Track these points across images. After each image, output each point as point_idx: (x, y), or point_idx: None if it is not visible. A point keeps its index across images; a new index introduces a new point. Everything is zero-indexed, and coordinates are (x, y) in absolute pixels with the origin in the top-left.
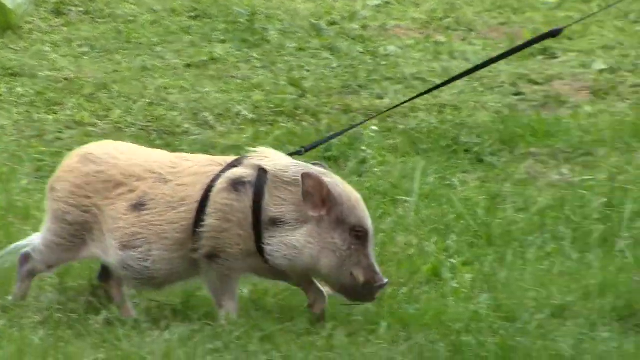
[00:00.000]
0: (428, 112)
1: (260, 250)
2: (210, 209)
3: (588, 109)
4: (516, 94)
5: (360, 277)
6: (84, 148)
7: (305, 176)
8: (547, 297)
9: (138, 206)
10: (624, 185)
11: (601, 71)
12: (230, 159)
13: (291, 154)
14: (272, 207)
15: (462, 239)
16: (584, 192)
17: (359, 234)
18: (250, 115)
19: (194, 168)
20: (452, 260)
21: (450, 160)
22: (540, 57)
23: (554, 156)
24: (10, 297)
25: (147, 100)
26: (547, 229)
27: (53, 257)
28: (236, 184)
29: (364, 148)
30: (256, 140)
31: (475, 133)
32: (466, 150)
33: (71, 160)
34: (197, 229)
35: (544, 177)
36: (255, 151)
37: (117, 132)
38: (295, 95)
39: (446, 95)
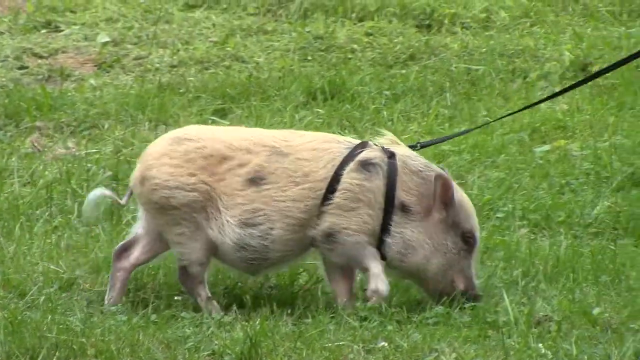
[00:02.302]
0: None
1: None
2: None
3: (93, 82)
4: (20, 68)
5: (460, 285)
6: (170, 133)
7: (438, 177)
8: (55, 271)
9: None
10: (129, 158)
11: (105, 44)
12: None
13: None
14: (402, 192)
15: None
16: (90, 165)
17: (469, 240)
18: None
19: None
20: None
21: None
22: (44, 31)
23: (59, 130)
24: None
25: None
26: (54, 203)
27: (192, 249)
28: (366, 164)
29: None
30: None
31: None
32: None
33: (160, 145)
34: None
35: (50, 151)
36: (382, 135)
37: None
38: None
39: None
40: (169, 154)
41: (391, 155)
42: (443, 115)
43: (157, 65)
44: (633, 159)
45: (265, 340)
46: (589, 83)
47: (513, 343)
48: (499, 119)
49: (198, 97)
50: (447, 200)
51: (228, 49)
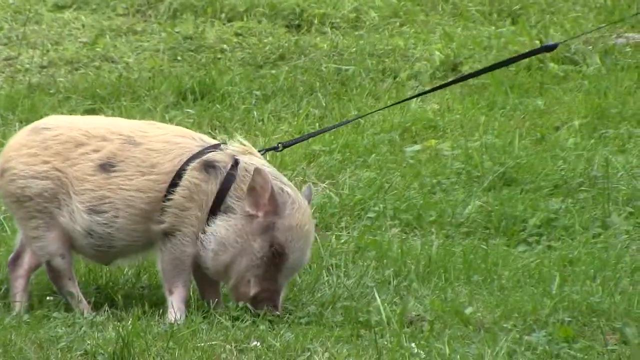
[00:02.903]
0: None
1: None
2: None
3: None
4: None
5: (252, 291)
6: (29, 125)
7: (257, 171)
8: None
9: (106, 167)
10: None
11: None
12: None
13: (268, 150)
14: (233, 198)
15: None
16: None
17: (277, 253)
18: None
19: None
20: None
21: None
22: None
23: None
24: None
25: None
26: None
27: (47, 242)
28: (208, 166)
29: None
30: None
31: None
32: None
33: (18, 137)
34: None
35: None
36: (239, 142)
37: None
38: None
39: None
40: (27, 144)
41: (235, 164)
42: (314, 115)
43: (27, 65)
44: (504, 159)
45: (137, 340)
46: (460, 83)
47: (386, 342)
48: (365, 115)
49: (68, 98)
50: (264, 199)
51: (98, 49)
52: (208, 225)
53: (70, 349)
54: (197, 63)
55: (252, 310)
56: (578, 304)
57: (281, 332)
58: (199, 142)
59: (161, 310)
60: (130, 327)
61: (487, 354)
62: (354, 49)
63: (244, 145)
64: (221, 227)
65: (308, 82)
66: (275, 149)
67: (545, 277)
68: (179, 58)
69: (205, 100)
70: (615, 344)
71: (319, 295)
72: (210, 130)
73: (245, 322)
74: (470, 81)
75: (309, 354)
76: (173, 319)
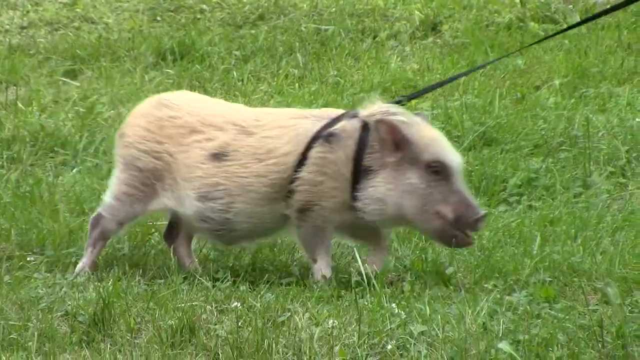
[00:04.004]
0: None
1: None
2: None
3: None
4: None
5: (449, 214)
6: (157, 95)
7: (379, 122)
8: None
9: (219, 156)
10: None
11: None
12: (329, 112)
13: (392, 104)
14: (368, 156)
15: None
16: None
17: (436, 169)
18: None
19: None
20: None
21: None
22: None
23: None
24: (78, 266)
25: None
26: None
27: (123, 210)
28: (329, 136)
29: None
30: None
31: None
32: None
33: (143, 105)
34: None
35: None
36: (366, 103)
37: None
38: None
39: None
40: (146, 116)
41: (364, 125)
42: (293, 75)
43: (7, 26)
44: (484, 118)
45: (118, 301)
46: (440, 42)
47: (366, 303)
48: (492, 62)
49: (48, 59)
50: (395, 140)
51: (77, 10)
52: (357, 190)
53: (51, 310)
54: (176, 23)
55: (467, 240)
56: (559, 264)
57: (261, 293)
58: (312, 119)
59: (142, 271)
60: (110, 288)
61: (468, 314)
62: (334, 9)
63: (371, 104)
64: (369, 187)
65: (287, 42)
66: (399, 102)
67: (526, 237)
68: (158, 18)
69: (184, 61)
70: (596, 304)
71: (299, 255)
72: (190, 89)
73: (226, 282)
74: (450, 40)
75: (289, 314)
76: (321, 280)
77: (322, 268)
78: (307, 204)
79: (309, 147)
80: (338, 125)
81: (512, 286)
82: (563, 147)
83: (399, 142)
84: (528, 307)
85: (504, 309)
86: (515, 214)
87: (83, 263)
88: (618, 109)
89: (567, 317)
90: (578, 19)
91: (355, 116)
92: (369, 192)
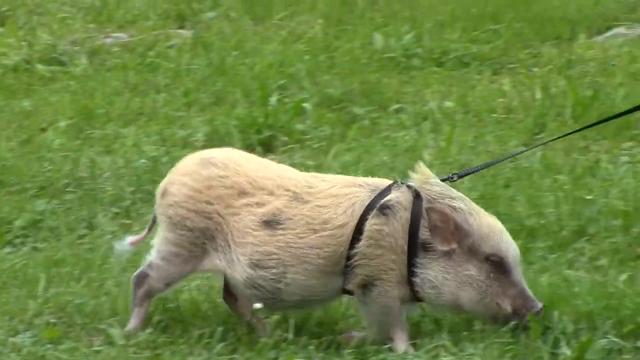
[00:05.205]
0: None
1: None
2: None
3: None
4: None
5: (508, 307)
6: (202, 152)
7: (431, 210)
8: None
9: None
10: None
11: None
12: (379, 181)
13: (443, 180)
14: (424, 230)
15: None
16: None
17: (495, 262)
18: None
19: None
20: None
21: None
22: None
23: None
24: (127, 327)
25: None
26: None
27: (172, 270)
28: (383, 208)
29: None
30: None
31: None
32: None
33: (188, 163)
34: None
35: None
36: (412, 173)
37: None
38: None
39: None
40: (192, 174)
41: (417, 195)
42: None
43: None
44: None
45: None
46: None
47: None
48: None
49: None
50: (451, 230)
51: None
52: (414, 266)
53: None
54: None
55: (521, 325)
56: (64, 305)
57: None
58: (367, 188)
59: None
60: None
61: None
62: None
63: (420, 174)
64: (428, 270)
65: None
66: (450, 179)
67: (31, 278)
68: None
69: None
70: (100, 345)
71: None
72: None
73: None
74: None
75: None
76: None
77: (400, 348)
78: (367, 279)
79: (363, 218)
80: (391, 196)
81: (17, 327)
82: (69, 189)
83: (453, 232)
84: (32, 348)
85: (8, 351)
86: (20, 256)
87: (133, 325)
88: (124, 150)
89: (71, 357)
90: (85, 61)
91: (405, 186)
92: (427, 275)
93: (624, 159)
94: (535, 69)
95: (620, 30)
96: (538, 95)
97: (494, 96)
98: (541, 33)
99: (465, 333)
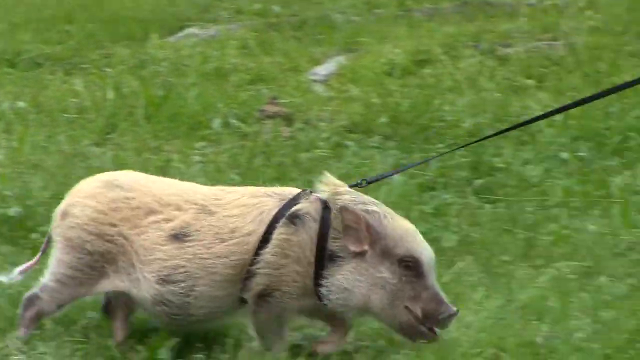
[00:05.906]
0: None
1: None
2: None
3: None
4: None
5: (417, 311)
6: (103, 174)
7: (344, 210)
8: None
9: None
10: None
11: None
12: (287, 191)
13: (351, 186)
14: (331, 241)
15: None
16: None
17: (409, 265)
18: None
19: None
20: None
21: None
22: None
23: None
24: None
25: None
26: None
27: (65, 293)
28: (293, 217)
29: None
30: None
31: None
32: None
33: (91, 185)
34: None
35: None
36: (323, 183)
37: None
38: None
39: None
40: (96, 196)
41: (325, 207)
42: None
43: None
44: None
45: None
46: None
47: None
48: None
49: None
50: (363, 231)
51: None
52: (321, 276)
53: None
54: None
55: (432, 335)
56: None
57: None
58: (275, 198)
59: None
60: None
61: None
62: None
63: (328, 184)
64: (336, 275)
65: None
66: (359, 184)
67: None
68: None
69: None
70: None
71: None
72: None
73: None
74: None
75: None
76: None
77: (275, 354)
78: (267, 289)
79: (271, 226)
80: (300, 206)
81: None
82: None
83: (366, 235)
84: None
85: None
86: None
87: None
88: None
89: None
90: None
91: (313, 195)
92: (336, 280)
93: (196, 158)
94: (108, 69)
95: (194, 30)
96: (110, 95)
97: (67, 96)
98: (114, 33)
99: (37, 332)
